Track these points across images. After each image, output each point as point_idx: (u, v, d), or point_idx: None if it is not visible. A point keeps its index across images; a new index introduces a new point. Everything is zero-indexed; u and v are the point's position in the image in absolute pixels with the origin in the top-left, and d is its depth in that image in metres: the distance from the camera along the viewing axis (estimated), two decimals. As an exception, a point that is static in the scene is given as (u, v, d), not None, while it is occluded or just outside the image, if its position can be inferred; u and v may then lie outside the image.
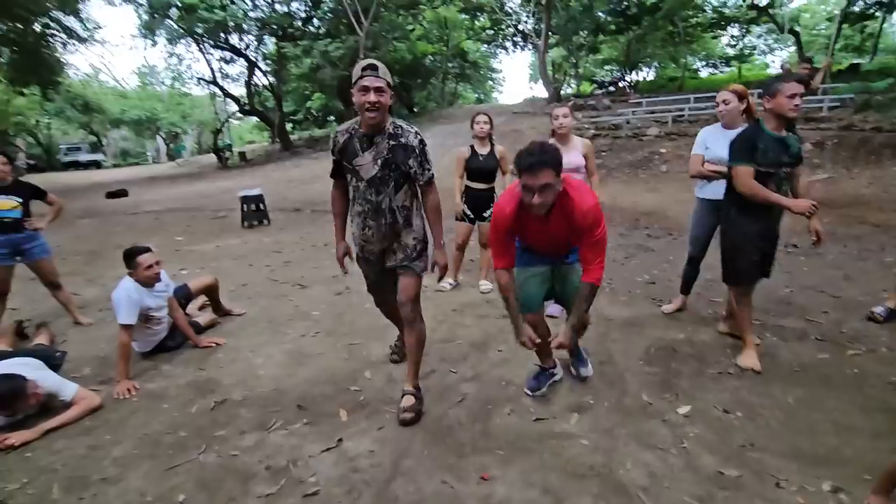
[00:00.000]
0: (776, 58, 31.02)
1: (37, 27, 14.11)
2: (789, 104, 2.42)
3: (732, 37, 26.13)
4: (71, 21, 16.18)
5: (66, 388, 2.50)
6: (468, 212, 3.99)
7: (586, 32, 23.05)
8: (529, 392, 2.47)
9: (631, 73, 27.49)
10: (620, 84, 24.13)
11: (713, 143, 3.10)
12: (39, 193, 3.71)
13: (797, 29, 21.02)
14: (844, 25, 19.74)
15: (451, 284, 4.12)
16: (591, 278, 2.10)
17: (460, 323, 3.51)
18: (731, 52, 27.81)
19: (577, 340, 2.50)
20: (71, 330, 3.73)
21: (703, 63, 29.96)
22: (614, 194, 8.39)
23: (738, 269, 2.73)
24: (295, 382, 2.77)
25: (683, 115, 13.40)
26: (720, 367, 2.72)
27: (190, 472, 2.04)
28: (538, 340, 2.28)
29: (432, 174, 2.32)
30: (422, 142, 2.26)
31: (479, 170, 3.88)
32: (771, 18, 20.75)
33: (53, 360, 2.90)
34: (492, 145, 3.91)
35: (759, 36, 28.57)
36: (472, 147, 3.93)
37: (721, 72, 28.81)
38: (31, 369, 2.47)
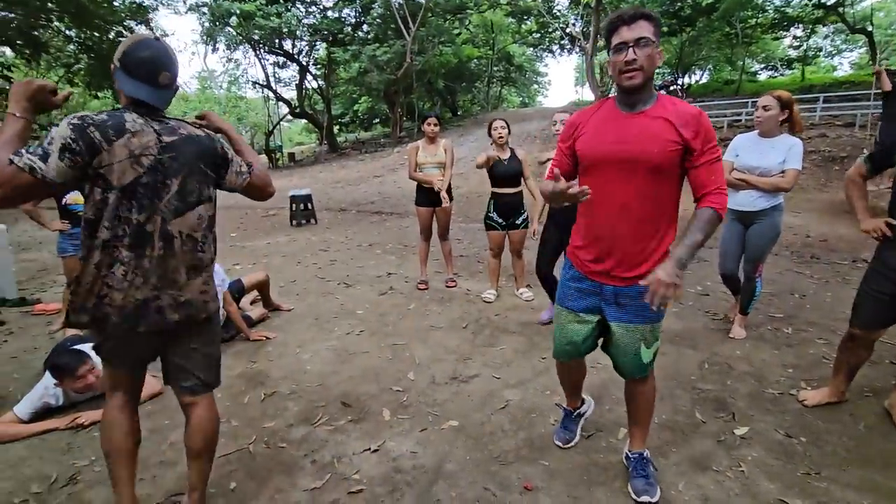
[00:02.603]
0: (844, 59, 29.13)
1: (111, 35, 15.19)
2: None
3: (795, 38, 24.71)
4: (141, 29, 17.35)
5: (131, 374, 2.66)
6: (498, 219, 3.93)
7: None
8: (561, 444, 2.12)
9: (683, 76, 26.51)
10: (671, 87, 23.32)
11: (745, 150, 2.94)
12: (111, 190, 3.96)
13: (869, 28, 19.60)
14: (926, 24, 18.25)
15: (493, 295, 4.08)
16: (711, 202, 1.54)
17: (503, 328, 3.48)
18: (793, 53, 26.31)
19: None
20: (134, 318, 3.97)
21: (763, 65, 28.49)
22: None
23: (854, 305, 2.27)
24: (339, 379, 2.83)
25: (740, 120, 12.78)
26: (781, 387, 2.56)
27: (241, 461, 2.12)
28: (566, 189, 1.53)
29: None
30: None
31: (503, 174, 3.81)
32: (840, 17, 19.46)
33: (119, 347, 3.09)
34: (511, 150, 3.87)
35: (826, 37, 26.90)
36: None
37: (782, 74, 27.29)
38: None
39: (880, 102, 5.80)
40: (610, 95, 1.80)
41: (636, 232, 1.61)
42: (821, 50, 27.52)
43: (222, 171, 1.67)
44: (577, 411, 2.17)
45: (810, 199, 7.42)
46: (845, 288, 4.19)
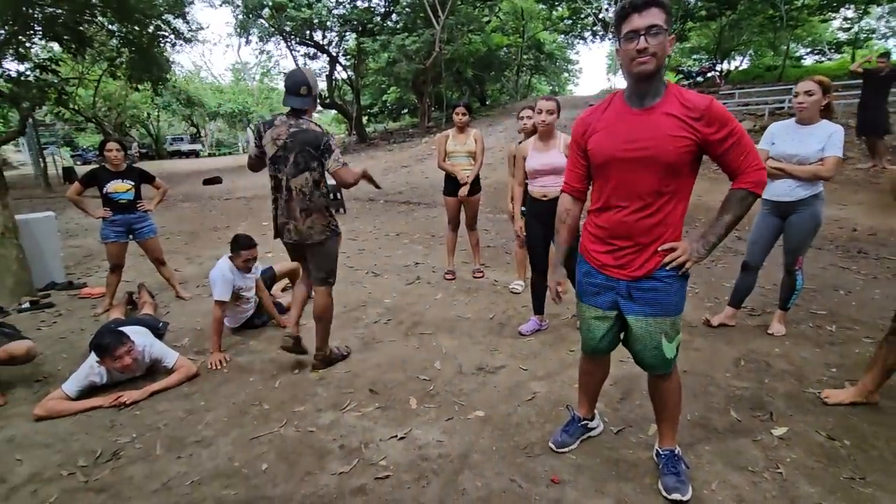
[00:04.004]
0: (901, 42, 27.30)
1: (150, 29, 15.64)
2: None
3: (846, 19, 23.20)
4: (178, 23, 17.79)
5: (169, 356, 2.77)
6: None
7: (674, 19, 21.58)
8: (555, 447, 2.04)
9: (722, 62, 25.40)
10: (710, 74, 22.38)
11: (781, 138, 2.79)
12: (148, 178, 4.11)
13: (931, 8, 18.23)
14: None
15: (521, 286, 4.04)
16: (743, 182, 1.53)
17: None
18: (843, 36, 24.78)
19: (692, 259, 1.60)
20: (173, 303, 4.12)
21: (808, 50, 26.96)
22: (699, 193, 7.78)
23: None
24: (367, 367, 2.86)
25: (783, 108, 12.16)
26: (822, 387, 2.45)
27: (272, 443, 2.18)
28: (562, 297, 1.97)
29: None
30: None
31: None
32: (898, -3, 18.20)
33: (158, 330, 3.22)
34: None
35: (880, 17, 25.18)
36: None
37: (830, 59, 25.77)
38: (140, 336, 2.76)
39: None
40: (617, 89, 1.73)
41: (650, 227, 1.60)
42: (874, 32, 25.78)
43: (325, 155, 2.53)
44: (584, 422, 2.09)
45: (859, 190, 7.02)
46: (895, 285, 3.96)
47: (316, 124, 2.55)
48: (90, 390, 2.58)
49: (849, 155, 8.01)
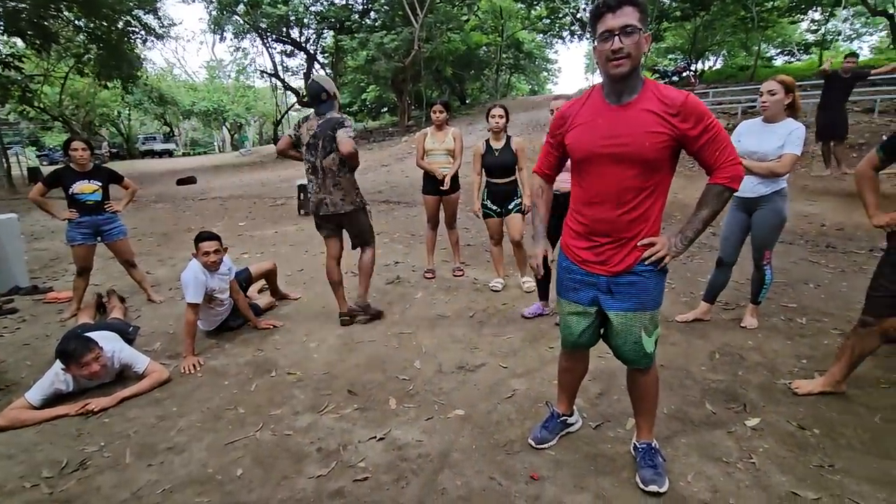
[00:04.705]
0: (864, 44, 28.34)
1: (120, 25, 15.19)
2: None
3: (813, 21, 23.99)
4: (149, 18, 17.31)
5: (140, 361, 2.69)
6: (492, 206, 3.83)
7: (650, 19, 21.93)
8: (534, 444, 2.04)
9: (696, 61, 25.96)
10: (684, 74, 22.84)
11: (746, 135, 2.87)
12: (117, 178, 3.98)
13: (890, 11, 18.94)
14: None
15: (501, 284, 4.04)
16: (718, 178, 1.55)
17: (511, 317, 3.45)
18: (811, 38, 25.60)
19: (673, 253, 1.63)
20: (144, 307, 4.00)
21: (778, 51, 27.77)
22: (675, 190, 7.91)
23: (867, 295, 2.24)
24: (346, 367, 2.83)
25: (755, 107, 12.49)
26: (794, 378, 2.51)
27: (247, 448, 2.13)
28: (541, 273, 1.95)
29: None
30: None
31: (495, 166, 3.71)
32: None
33: (128, 334, 3.12)
34: (508, 139, 3.72)
35: (845, 20, 26.10)
36: (486, 142, 3.78)
37: (799, 60, 26.59)
38: (109, 342, 2.67)
39: None
40: (595, 84, 1.74)
41: (628, 222, 1.61)
42: (839, 34, 26.71)
43: (337, 129, 3.03)
44: (564, 418, 2.10)
45: (827, 186, 7.25)
46: (862, 277, 4.09)
47: (337, 112, 3.17)
48: (56, 398, 2.48)
49: (808, 162, 8.16)
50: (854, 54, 7.41)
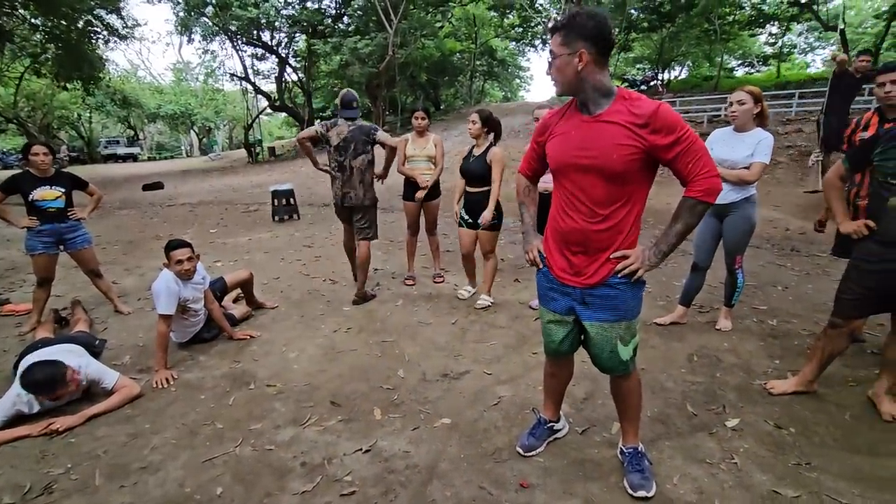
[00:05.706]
0: (817, 57, 29.84)
1: (80, 24, 14.61)
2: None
3: (771, 34, 25.17)
4: (112, 18, 16.72)
5: (108, 376, 2.55)
6: (465, 216, 3.75)
7: (618, 30, 22.61)
8: (522, 451, 2.03)
9: (663, 71, 26.83)
10: (652, 83, 23.58)
11: (718, 144, 2.97)
12: (80, 184, 3.79)
13: (841, 26, 20.10)
14: (894, 23, 18.75)
15: (469, 291, 4.02)
16: (694, 191, 1.53)
17: (492, 324, 3.45)
18: (769, 50, 26.84)
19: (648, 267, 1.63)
20: (111, 318, 3.82)
21: (740, 62, 29.01)
22: (648, 195, 8.15)
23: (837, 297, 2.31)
24: (328, 378, 2.76)
25: (720, 116, 12.98)
26: (768, 378, 2.59)
27: (227, 465, 2.05)
28: (541, 265, 1.82)
29: None
30: None
31: (466, 171, 3.67)
32: (814, 15, 19.87)
33: (94, 348, 2.96)
34: (487, 147, 3.59)
35: (800, 34, 27.47)
36: (472, 147, 3.72)
37: (758, 71, 27.83)
38: (74, 356, 2.52)
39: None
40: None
41: (601, 234, 1.62)
42: (795, 47, 28.08)
43: (374, 132, 3.72)
44: (550, 424, 2.10)
45: (788, 192, 7.58)
46: (825, 280, 4.28)
47: (365, 122, 3.75)
48: (17, 419, 2.33)
49: (783, 160, 8.54)
50: (868, 51, 6.18)
